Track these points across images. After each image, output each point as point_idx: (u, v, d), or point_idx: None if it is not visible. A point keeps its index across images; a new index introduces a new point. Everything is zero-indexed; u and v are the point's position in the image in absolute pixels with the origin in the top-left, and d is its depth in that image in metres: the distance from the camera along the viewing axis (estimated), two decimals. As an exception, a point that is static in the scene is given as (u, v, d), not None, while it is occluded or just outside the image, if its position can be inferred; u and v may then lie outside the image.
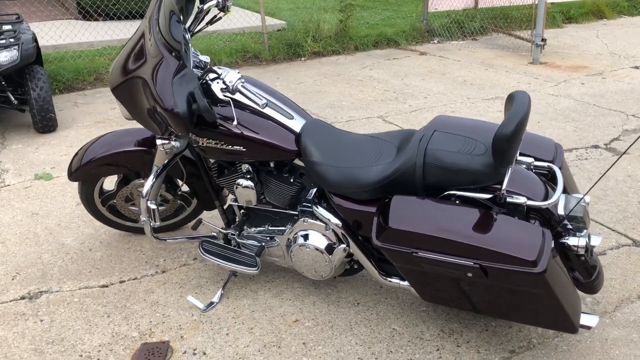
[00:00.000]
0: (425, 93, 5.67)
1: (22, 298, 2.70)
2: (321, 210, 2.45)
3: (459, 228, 2.02)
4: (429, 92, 5.69)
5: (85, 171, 2.77)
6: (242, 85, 2.29)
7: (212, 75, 2.37)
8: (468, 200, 2.19)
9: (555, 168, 2.28)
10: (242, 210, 2.71)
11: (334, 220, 2.42)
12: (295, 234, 2.53)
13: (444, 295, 2.21)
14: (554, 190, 2.17)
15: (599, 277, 2.30)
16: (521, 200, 2.11)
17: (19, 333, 2.47)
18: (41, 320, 2.55)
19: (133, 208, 3.00)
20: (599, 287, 2.30)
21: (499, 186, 2.12)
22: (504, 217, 2.06)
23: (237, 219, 2.74)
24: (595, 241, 2.40)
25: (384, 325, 2.50)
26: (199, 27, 2.74)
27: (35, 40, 4.66)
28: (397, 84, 6.01)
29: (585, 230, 2.17)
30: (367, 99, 5.53)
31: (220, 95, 2.32)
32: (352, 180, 2.30)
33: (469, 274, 2.02)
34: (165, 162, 2.58)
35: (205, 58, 2.62)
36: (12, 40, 4.42)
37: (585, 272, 2.25)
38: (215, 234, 2.82)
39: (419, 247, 2.05)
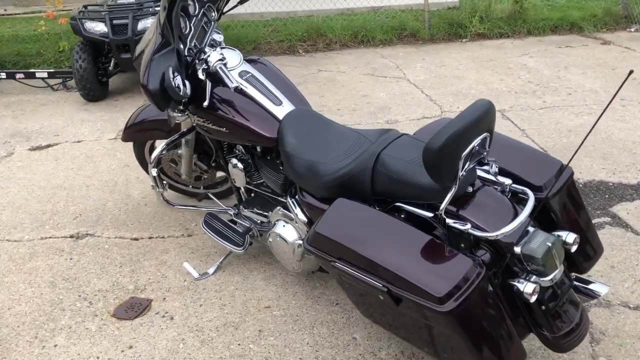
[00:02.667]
0: (572, 89, 4.98)
1: (71, 237, 3.13)
2: (292, 202, 2.39)
3: (380, 245, 1.83)
4: (578, 89, 4.98)
5: (133, 132, 3.05)
6: (220, 67, 2.32)
7: (215, 56, 2.40)
8: (413, 216, 1.96)
9: (530, 195, 1.91)
10: (241, 190, 2.76)
11: (300, 215, 2.35)
12: (274, 221, 2.51)
13: (372, 313, 2.03)
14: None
15: (572, 335, 1.89)
16: (464, 226, 1.83)
17: (49, 265, 2.89)
18: (70, 259, 2.94)
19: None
20: (570, 346, 1.90)
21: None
22: (434, 242, 1.81)
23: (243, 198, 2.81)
24: (601, 289, 1.99)
25: (346, 331, 2.39)
26: (229, 6, 2.80)
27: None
28: (547, 75, 5.37)
29: (548, 275, 1.80)
30: (501, 89, 5.06)
31: (200, 75, 2.38)
32: (312, 175, 2.20)
33: (381, 297, 1.83)
34: (177, 135, 2.73)
35: (219, 37, 2.67)
36: (150, 10, 4.95)
37: (547, 324, 1.87)
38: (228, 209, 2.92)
39: (339, 257, 1.91)
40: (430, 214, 1.92)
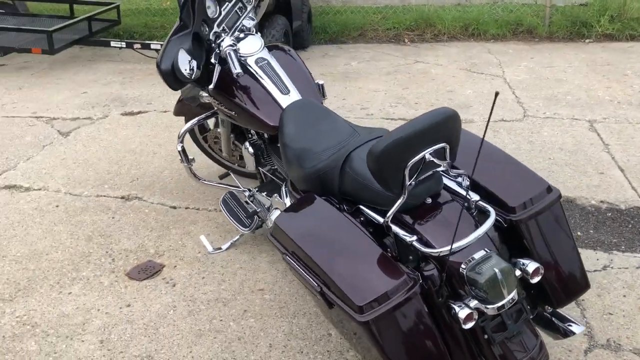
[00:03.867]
0: (689, 104, 4.40)
1: (122, 197, 3.42)
2: (284, 191, 2.42)
3: (325, 246, 1.82)
4: (695, 105, 4.39)
5: (182, 107, 3.24)
6: (228, 52, 2.39)
7: (227, 41, 2.46)
8: (373, 222, 1.91)
9: (491, 214, 1.77)
10: (260, 174, 2.82)
11: (288, 204, 2.37)
12: (273, 207, 2.56)
13: (320, 310, 2.01)
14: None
15: None
16: (409, 238, 1.75)
17: (93, 221, 3.19)
18: (113, 217, 3.22)
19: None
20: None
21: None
22: (377, 250, 1.76)
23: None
24: (576, 329, 1.84)
25: (324, 327, 2.39)
26: None
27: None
28: (666, 87, 4.79)
29: (493, 304, 1.67)
30: (602, 97, 4.60)
31: (213, 59, 2.46)
32: (297, 166, 2.21)
33: (317, 297, 1.81)
34: (204, 115, 2.85)
35: (249, 23, 2.72)
36: (256, -7, 5.14)
37: (491, 355, 1.75)
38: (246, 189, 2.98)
39: (290, 251, 1.92)
40: (381, 220, 1.86)
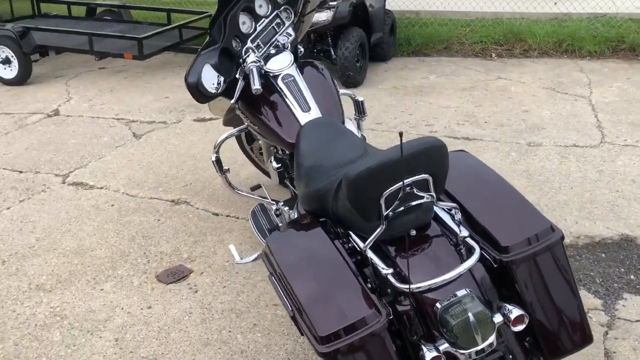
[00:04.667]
0: None
1: (172, 201, 3.57)
2: (296, 209, 2.40)
3: (305, 272, 1.78)
4: None
5: (231, 118, 3.32)
6: (251, 69, 2.42)
7: (251, 57, 2.49)
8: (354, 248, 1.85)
9: (475, 253, 1.65)
10: (290, 188, 2.82)
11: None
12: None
13: None
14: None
15: None
16: (385, 270, 1.68)
17: (140, 222, 3.35)
18: (158, 220, 3.36)
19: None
20: None
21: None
22: (354, 281, 1.70)
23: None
24: None
25: (327, 349, 2.34)
26: (309, 9, 2.84)
27: (356, 5, 5.26)
28: None
29: (465, 349, 1.57)
30: (698, 126, 4.15)
31: (238, 74, 2.50)
32: (302, 185, 2.19)
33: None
34: (239, 127, 2.90)
35: (283, 39, 2.72)
36: (332, 3, 5.16)
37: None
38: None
39: (277, 272, 1.90)
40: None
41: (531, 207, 1.82)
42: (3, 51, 5.81)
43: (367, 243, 1.72)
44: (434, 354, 1.56)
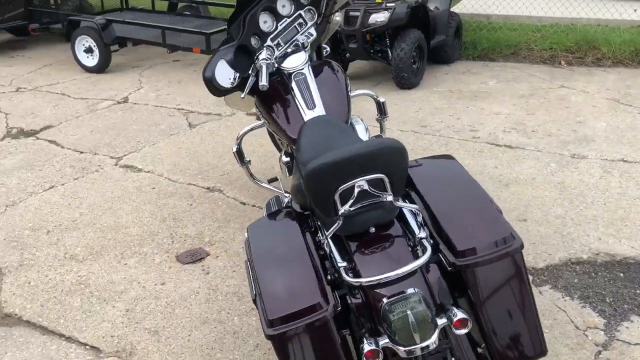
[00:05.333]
0: None
1: (207, 188, 3.77)
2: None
3: (270, 258, 1.88)
4: None
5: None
6: (260, 65, 2.53)
7: (263, 54, 2.59)
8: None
9: (427, 252, 1.69)
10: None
11: None
12: None
13: None
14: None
15: None
16: (339, 263, 1.75)
17: (173, 205, 3.57)
18: (190, 205, 3.57)
19: None
20: None
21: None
22: (310, 270, 1.77)
23: None
24: None
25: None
26: (334, 9, 2.92)
27: (415, 7, 5.26)
28: None
29: (404, 347, 1.61)
30: None
31: (250, 70, 2.62)
32: (295, 177, 2.28)
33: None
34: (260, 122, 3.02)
35: (303, 38, 2.81)
36: (390, 5, 5.19)
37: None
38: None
39: (248, 257, 2.01)
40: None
41: (496, 214, 1.81)
42: (87, 41, 6.30)
43: (325, 236, 1.79)
44: (372, 347, 1.61)
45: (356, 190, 1.70)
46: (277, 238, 1.95)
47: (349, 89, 2.71)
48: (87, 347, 2.51)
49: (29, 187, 3.88)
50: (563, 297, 2.61)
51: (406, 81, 5.34)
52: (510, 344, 1.71)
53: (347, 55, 5.66)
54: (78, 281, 2.93)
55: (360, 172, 1.68)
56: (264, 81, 2.49)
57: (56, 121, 5.02)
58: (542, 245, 2.97)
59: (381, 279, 1.66)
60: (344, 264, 1.75)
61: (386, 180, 1.71)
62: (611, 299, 2.59)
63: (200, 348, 2.45)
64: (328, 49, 3.14)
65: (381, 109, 3.04)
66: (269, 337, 1.66)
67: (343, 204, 1.72)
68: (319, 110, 2.54)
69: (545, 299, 2.61)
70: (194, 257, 3.06)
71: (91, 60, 6.36)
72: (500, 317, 1.70)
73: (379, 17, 5.19)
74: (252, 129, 3.08)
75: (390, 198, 1.74)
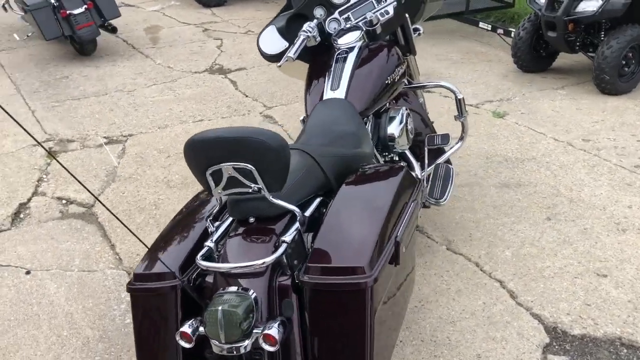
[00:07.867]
0: None
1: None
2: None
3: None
4: None
5: None
6: (300, 35, 2.46)
7: (305, 27, 2.51)
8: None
9: (275, 254, 1.57)
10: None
11: None
12: None
13: None
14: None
15: None
16: (208, 242, 1.76)
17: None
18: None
19: None
20: None
21: None
22: (186, 243, 1.82)
23: None
24: None
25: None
26: None
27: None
28: None
29: (213, 340, 1.56)
30: None
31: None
32: None
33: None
34: None
35: (371, 15, 2.60)
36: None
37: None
38: None
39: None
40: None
41: (369, 241, 1.56)
42: None
43: (206, 216, 1.78)
44: (187, 329, 1.59)
45: (225, 175, 1.64)
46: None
47: (396, 77, 2.49)
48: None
49: (184, 116, 4.44)
50: (573, 380, 2.09)
51: (607, 85, 4.49)
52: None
53: (547, 45, 4.97)
54: (153, 202, 3.33)
55: (228, 157, 1.61)
56: (291, 53, 2.44)
57: (251, 65, 5.53)
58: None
59: (220, 267, 1.61)
60: (212, 244, 1.72)
61: (254, 171, 1.60)
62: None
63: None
64: (421, 30, 2.88)
65: (458, 106, 2.72)
66: (127, 289, 1.76)
67: (216, 185, 1.67)
68: (340, 93, 2.40)
69: (548, 372, 2.12)
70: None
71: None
72: (325, 347, 1.51)
73: (590, 6, 4.41)
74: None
75: (262, 192, 1.63)
